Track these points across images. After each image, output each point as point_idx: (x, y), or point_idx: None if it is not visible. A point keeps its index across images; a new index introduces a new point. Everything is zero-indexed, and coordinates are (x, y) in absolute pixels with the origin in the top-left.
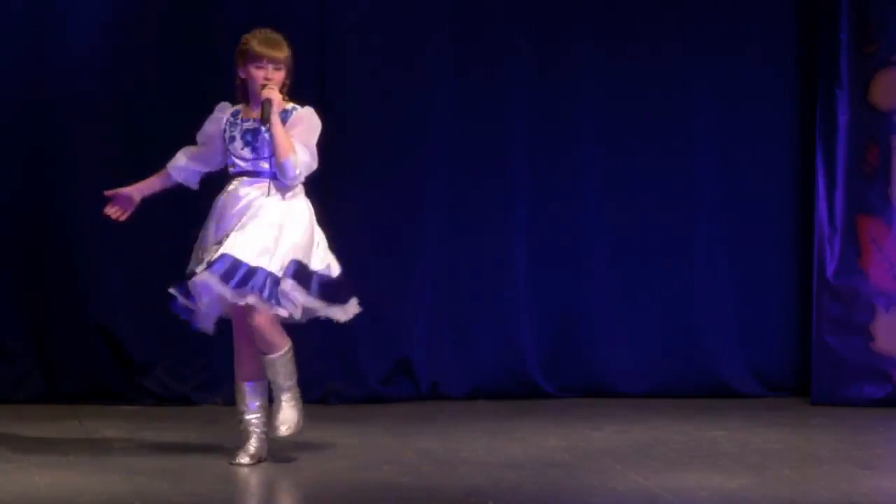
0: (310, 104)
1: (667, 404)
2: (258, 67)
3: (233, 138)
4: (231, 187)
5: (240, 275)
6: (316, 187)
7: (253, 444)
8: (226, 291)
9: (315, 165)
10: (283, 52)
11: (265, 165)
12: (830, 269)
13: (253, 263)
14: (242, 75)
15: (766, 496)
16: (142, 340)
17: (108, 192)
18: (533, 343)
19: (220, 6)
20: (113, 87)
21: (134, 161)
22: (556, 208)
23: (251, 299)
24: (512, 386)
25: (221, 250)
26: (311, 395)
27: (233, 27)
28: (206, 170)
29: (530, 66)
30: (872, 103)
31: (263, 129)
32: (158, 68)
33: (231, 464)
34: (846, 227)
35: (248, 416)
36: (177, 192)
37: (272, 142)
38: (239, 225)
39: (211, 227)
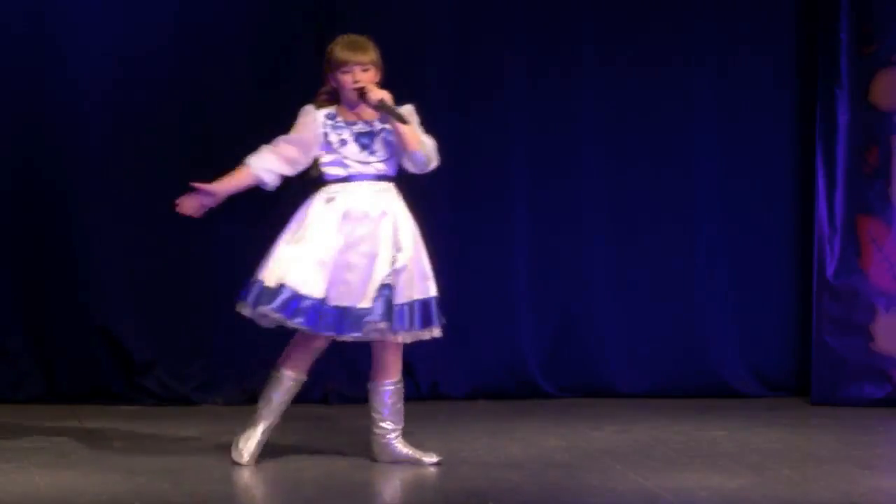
0: (310, 100)
1: (667, 404)
2: (344, 72)
3: (343, 142)
4: (345, 192)
5: (429, 311)
6: (316, 187)
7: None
8: (407, 337)
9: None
10: (369, 54)
11: (383, 167)
12: (830, 269)
13: (432, 293)
14: (332, 83)
15: (766, 496)
16: (142, 340)
17: (197, 185)
18: (533, 343)
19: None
20: (114, 86)
21: (134, 161)
22: (557, 208)
23: (436, 332)
24: (512, 386)
25: (419, 295)
26: (311, 395)
27: (232, 28)
28: (290, 173)
29: (531, 67)
30: (872, 103)
31: (385, 127)
32: (160, 69)
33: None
34: (846, 227)
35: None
36: (174, 193)
37: (399, 136)
38: (398, 246)
39: (334, 232)
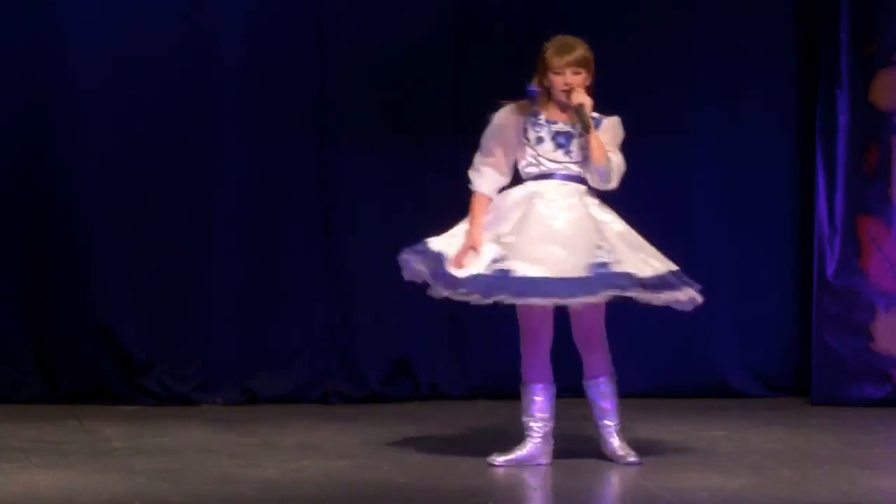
0: (309, 106)
1: (667, 404)
2: (557, 74)
3: (540, 139)
4: (538, 189)
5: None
6: (316, 187)
7: (524, 449)
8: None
9: (624, 170)
10: (580, 56)
11: (576, 169)
12: (830, 269)
13: (673, 267)
14: (545, 83)
15: (766, 496)
16: (142, 340)
17: (464, 253)
18: None
19: (220, 9)
20: (115, 87)
21: (135, 161)
22: None
23: (692, 291)
24: (512, 386)
25: (653, 272)
26: (311, 395)
27: (234, 31)
28: (507, 180)
29: (530, 57)
30: (872, 103)
31: (577, 134)
32: (161, 71)
33: (489, 462)
34: (846, 227)
35: (530, 422)
36: (174, 193)
37: (589, 147)
38: (619, 238)
39: (525, 228)
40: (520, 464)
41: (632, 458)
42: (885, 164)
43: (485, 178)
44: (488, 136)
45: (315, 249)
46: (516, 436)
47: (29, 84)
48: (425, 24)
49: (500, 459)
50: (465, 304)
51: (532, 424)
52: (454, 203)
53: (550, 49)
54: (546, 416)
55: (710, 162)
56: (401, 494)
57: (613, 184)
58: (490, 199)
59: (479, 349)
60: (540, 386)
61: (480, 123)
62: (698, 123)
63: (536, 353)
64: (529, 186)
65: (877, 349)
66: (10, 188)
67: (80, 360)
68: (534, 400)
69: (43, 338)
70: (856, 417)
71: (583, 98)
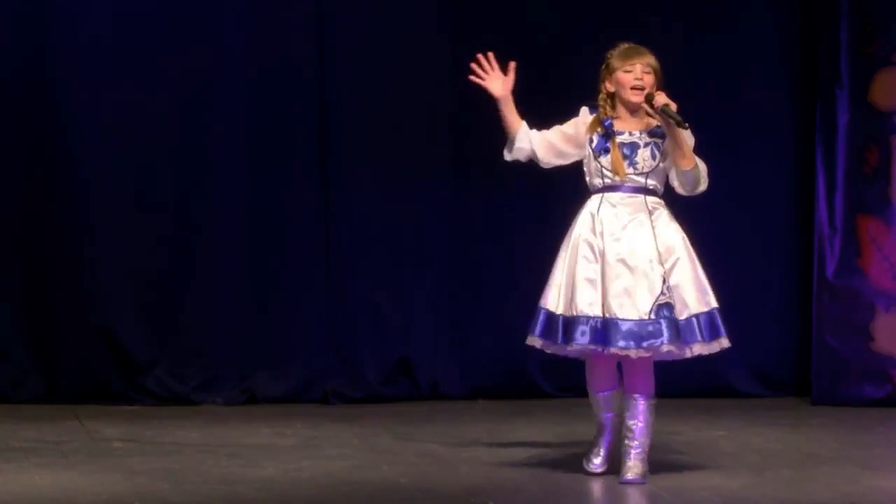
0: (309, 106)
1: (667, 404)
2: (627, 71)
3: (606, 150)
4: (603, 204)
5: (716, 323)
6: (317, 187)
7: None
8: (702, 348)
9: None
10: (650, 58)
11: (642, 181)
12: (830, 269)
13: (713, 305)
14: (610, 87)
15: (766, 496)
16: (142, 340)
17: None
18: None
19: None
20: (115, 88)
21: (135, 161)
22: (556, 208)
23: (725, 342)
24: (512, 386)
25: (703, 308)
26: (311, 395)
27: (232, 32)
28: (548, 161)
29: (530, 60)
30: (872, 103)
31: (654, 141)
32: (161, 72)
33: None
34: (846, 227)
35: (604, 414)
36: (174, 193)
37: (676, 148)
38: (672, 262)
39: (596, 244)
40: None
41: (630, 476)
42: (885, 164)
43: (533, 133)
44: (566, 126)
45: (315, 249)
46: (516, 435)
47: (30, 87)
48: (426, 25)
49: (596, 463)
50: (465, 304)
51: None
52: (454, 201)
53: (618, 51)
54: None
55: (709, 161)
56: (401, 494)
57: (702, 188)
58: (520, 133)
59: (479, 349)
60: (605, 394)
61: (481, 125)
62: (698, 123)
63: (596, 368)
64: (595, 202)
65: (877, 349)
66: (10, 188)
67: (80, 360)
68: (599, 404)
69: (43, 338)
70: (856, 417)
71: (666, 98)
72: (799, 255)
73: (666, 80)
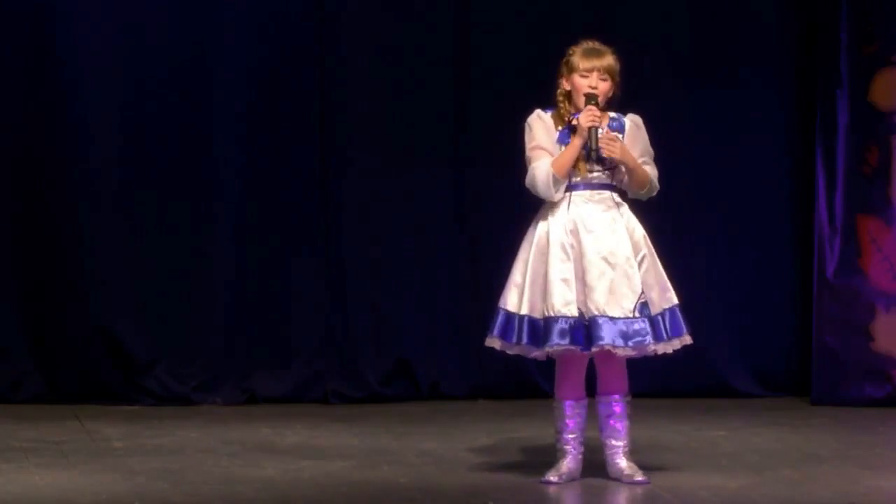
0: (309, 107)
1: (667, 404)
2: (583, 76)
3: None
4: (573, 201)
5: (677, 320)
6: (316, 187)
7: (567, 464)
8: (665, 346)
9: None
10: (608, 62)
11: (607, 177)
12: (830, 269)
13: (675, 301)
14: (567, 86)
15: (766, 496)
16: (142, 340)
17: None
18: None
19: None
20: (115, 90)
21: (135, 162)
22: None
23: (687, 339)
24: (512, 386)
25: (665, 305)
26: (312, 395)
27: (233, 34)
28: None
29: (530, 62)
30: (872, 103)
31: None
32: (162, 73)
33: (540, 482)
34: (846, 227)
35: (565, 435)
36: (174, 193)
37: (629, 175)
38: (640, 259)
39: (568, 245)
40: (571, 480)
41: (639, 478)
42: (885, 164)
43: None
44: (535, 144)
45: (315, 249)
46: (516, 435)
47: (30, 86)
48: (426, 25)
49: (553, 477)
50: (465, 304)
51: (567, 437)
52: (455, 199)
53: (578, 52)
54: (577, 432)
55: (709, 161)
56: (401, 494)
57: (653, 193)
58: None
59: (479, 349)
60: (569, 403)
61: (483, 122)
62: (697, 123)
63: (568, 372)
64: (561, 202)
65: (877, 349)
66: (11, 188)
67: (80, 360)
68: (564, 416)
69: (43, 338)
70: (856, 417)
71: (590, 121)
72: (799, 255)
73: (666, 80)
